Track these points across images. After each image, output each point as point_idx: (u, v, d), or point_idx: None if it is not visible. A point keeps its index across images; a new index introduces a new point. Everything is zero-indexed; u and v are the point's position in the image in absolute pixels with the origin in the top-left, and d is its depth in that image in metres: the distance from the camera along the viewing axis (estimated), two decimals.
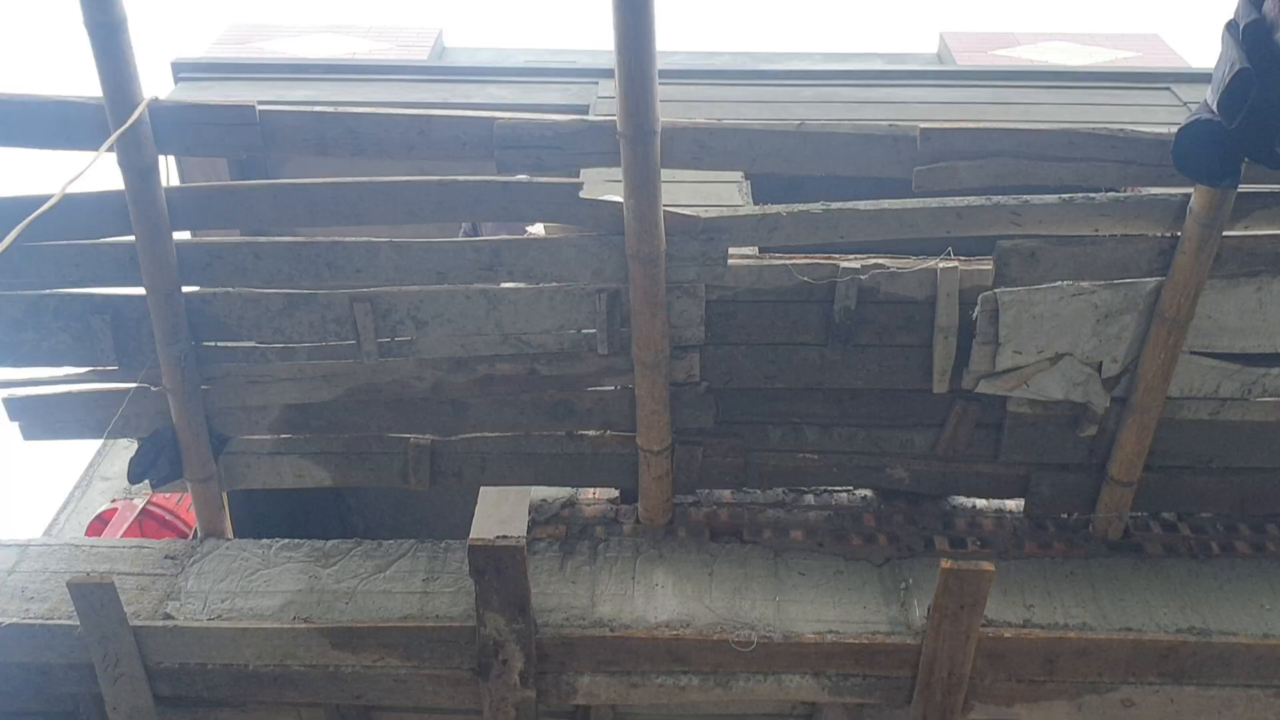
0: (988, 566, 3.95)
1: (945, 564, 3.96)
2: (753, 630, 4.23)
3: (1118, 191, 4.23)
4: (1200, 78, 7.10)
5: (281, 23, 8.74)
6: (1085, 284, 4.19)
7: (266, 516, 5.73)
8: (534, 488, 4.85)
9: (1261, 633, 4.24)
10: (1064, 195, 4.13)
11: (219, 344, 4.41)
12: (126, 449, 6.35)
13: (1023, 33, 8.70)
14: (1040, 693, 4.25)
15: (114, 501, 5.39)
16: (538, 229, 5.26)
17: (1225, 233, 4.06)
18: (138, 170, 3.95)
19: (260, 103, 4.08)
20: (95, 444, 6.63)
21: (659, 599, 4.37)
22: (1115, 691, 4.25)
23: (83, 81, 4.10)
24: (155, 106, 3.93)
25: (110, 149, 3.84)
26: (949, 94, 7.46)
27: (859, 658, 4.20)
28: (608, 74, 3.85)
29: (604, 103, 7.05)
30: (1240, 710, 4.27)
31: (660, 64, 3.85)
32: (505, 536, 4.15)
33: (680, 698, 4.28)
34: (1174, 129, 3.81)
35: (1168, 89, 7.47)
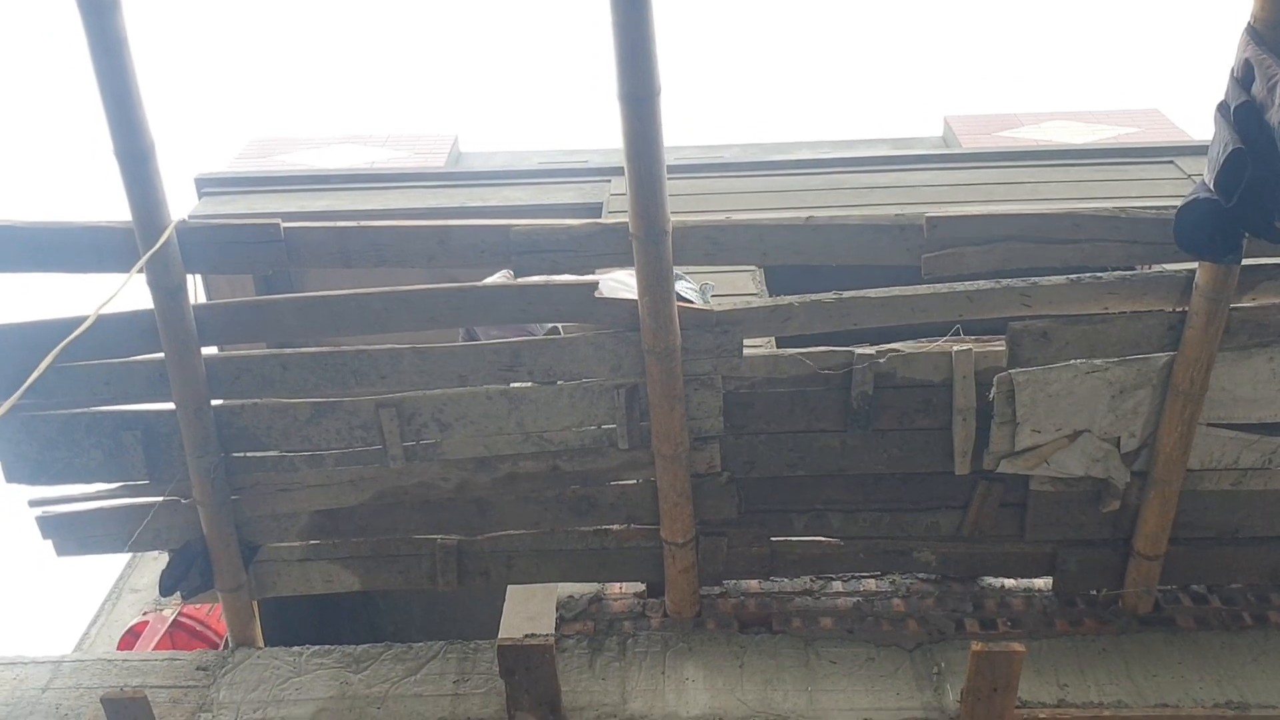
0: (1019, 648, 3.93)
1: (976, 646, 3.94)
2: None
3: (1125, 270, 4.30)
4: (1202, 150, 7.21)
5: (301, 135, 9.01)
6: (1098, 361, 4.24)
7: (297, 623, 5.76)
8: (561, 584, 4.87)
9: None
10: (1072, 275, 4.20)
11: (248, 454, 4.49)
12: (156, 560, 6.42)
13: (1025, 114, 8.87)
14: None
15: (145, 614, 5.43)
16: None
17: (1233, 305, 4.11)
18: (166, 290, 4.07)
19: (284, 216, 4.22)
20: (125, 556, 6.70)
21: (690, 693, 4.35)
22: None
23: (106, 198, 4.24)
24: (182, 228, 4.06)
25: (140, 271, 3.97)
26: (956, 176, 7.62)
27: None
28: (619, 172, 3.98)
29: (616, 199, 7.23)
30: None
31: (671, 159, 3.97)
32: (534, 635, 4.17)
33: None
34: (1176, 206, 3.89)
35: (1171, 162, 7.60)
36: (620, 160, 3.89)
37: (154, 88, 3.97)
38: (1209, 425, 4.34)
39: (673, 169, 4.08)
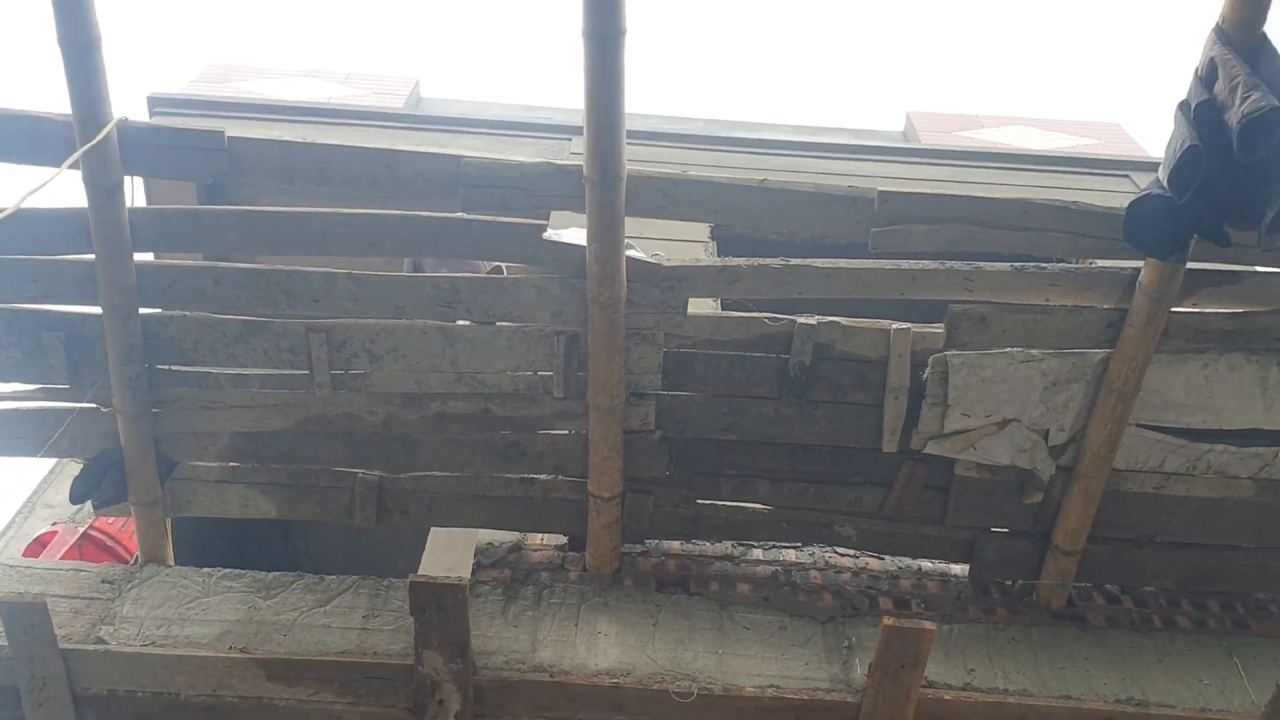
0: (929, 625, 3.95)
1: (887, 621, 3.96)
2: (693, 682, 4.19)
3: (1069, 262, 4.33)
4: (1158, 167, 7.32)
5: (260, 65, 8.82)
6: (1035, 351, 4.26)
7: (213, 550, 5.64)
8: (481, 531, 4.82)
9: (1199, 707, 4.25)
10: (1016, 264, 4.22)
11: (172, 367, 4.39)
12: (73, 476, 6.26)
13: (987, 116, 8.91)
14: None
15: (55, 525, 5.28)
16: None
17: (1173, 309, 4.15)
18: (102, 188, 3.95)
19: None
20: (41, 472, 6.54)
21: (601, 646, 4.33)
22: None
23: (54, 99, 4.12)
24: (124, 127, 3.94)
25: (76, 165, 3.85)
26: (913, 171, 7.63)
27: (798, 714, 4.17)
28: (580, 131, 3.94)
29: (576, 159, 7.14)
30: None
31: (632, 125, 3.95)
32: (448, 576, 4.12)
33: None
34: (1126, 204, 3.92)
35: (1127, 176, 7.68)
36: (582, 120, 3.84)
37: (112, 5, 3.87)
38: (1138, 426, 4.38)
39: (633, 134, 4.04)
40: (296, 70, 8.76)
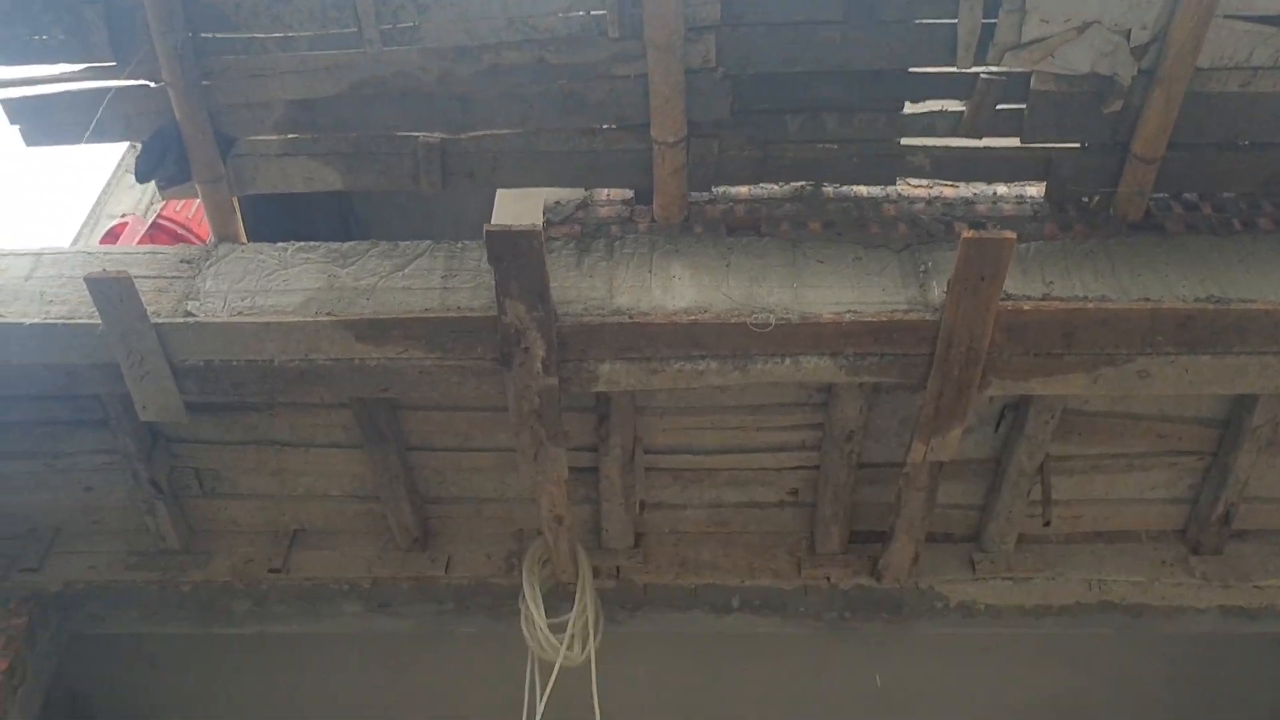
0: (1009, 234, 3.91)
1: (966, 233, 3.92)
2: (770, 313, 4.22)
3: None
4: None
5: None
6: None
7: (271, 230, 5.67)
8: (547, 190, 4.78)
9: None
10: None
11: (217, 35, 4.25)
12: (133, 188, 6.25)
13: None
14: (1057, 366, 4.28)
15: (123, 216, 5.32)
16: None
17: None
18: None
19: None
20: (102, 181, 6.54)
21: (676, 289, 4.36)
22: (1132, 363, 4.27)
23: None
24: None
25: None
26: None
27: (876, 335, 4.21)
28: None
29: None
30: (1254, 377, 4.30)
31: None
32: (522, 224, 4.10)
33: (699, 381, 4.33)
34: None
35: None
36: None
37: None
38: (1225, 17, 4.15)
39: None
40: None
